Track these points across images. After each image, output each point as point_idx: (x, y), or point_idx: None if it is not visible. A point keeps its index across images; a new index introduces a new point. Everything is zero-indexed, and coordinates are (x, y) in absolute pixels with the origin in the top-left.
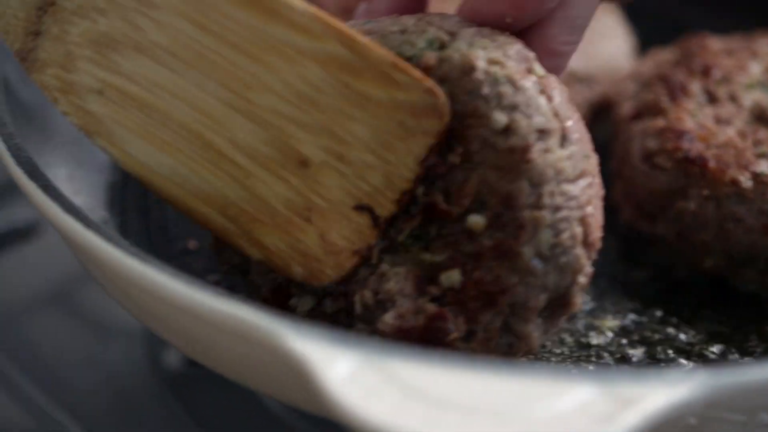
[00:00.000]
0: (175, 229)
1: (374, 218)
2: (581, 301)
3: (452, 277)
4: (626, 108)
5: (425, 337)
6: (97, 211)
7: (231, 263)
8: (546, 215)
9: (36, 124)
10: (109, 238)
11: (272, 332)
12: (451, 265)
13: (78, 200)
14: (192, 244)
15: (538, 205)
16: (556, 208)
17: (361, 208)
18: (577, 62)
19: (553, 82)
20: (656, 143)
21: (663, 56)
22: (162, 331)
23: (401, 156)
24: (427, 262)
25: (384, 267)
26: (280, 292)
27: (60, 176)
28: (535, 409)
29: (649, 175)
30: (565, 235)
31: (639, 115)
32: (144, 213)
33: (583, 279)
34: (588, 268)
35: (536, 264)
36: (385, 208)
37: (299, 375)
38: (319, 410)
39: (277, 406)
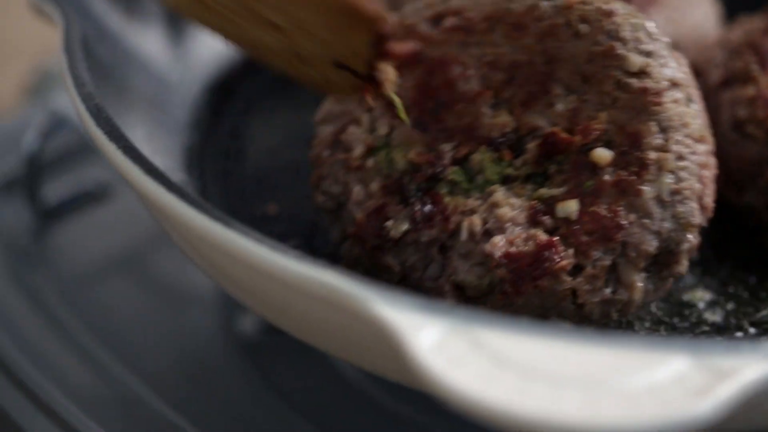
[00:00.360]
0: (253, 193)
1: (354, 73)
2: (687, 265)
3: (569, 207)
4: (714, 76)
5: (532, 265)
6: (176, 173)
7: (328, 193)
8: (671, 159)
9: (114, 84)
10: (191, 201)
11: (359, 298)
12: (569, 197)
13: (156, 161)
14: (271, 208)
15: (664, 148)
16: (680, 157)
17: (339, 65)
18: (664, 29)
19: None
20: (746, 112)
21: (752, 24)
22: (243, 297)
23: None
24: (544, 196)
25: (497, 196)
26: (376, 215)
27: (138, 136)
28: (629, 380)
29: (739, 144)
30: (685, 184)
31: (727, 83)
32: (222, 176)
33: (692, 239)
34: (697, 233)
35: (654, 206)
36: (360, 68)
37: (386, 342)
38: (405, 378)
39: (353, 373)
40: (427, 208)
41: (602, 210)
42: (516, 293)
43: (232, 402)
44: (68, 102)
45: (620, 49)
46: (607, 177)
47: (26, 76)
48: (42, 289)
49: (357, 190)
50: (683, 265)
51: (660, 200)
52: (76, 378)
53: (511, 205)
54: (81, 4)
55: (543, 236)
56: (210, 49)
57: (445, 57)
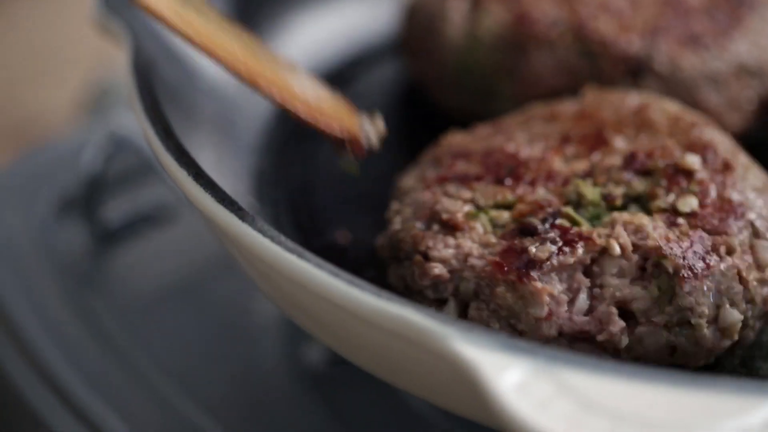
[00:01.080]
0: (325, 221)
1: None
2: None
3: (690, 201)
4: None
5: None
6: (246, 198)
7: (440, 258)
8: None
9: (181, 106)
10: (265, 231)
11: (438, 334)
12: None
13: (225, 185)
14: (343, 237)
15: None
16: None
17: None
18: (748, 54)
19: None
20: None
21: None
22: (314, 329)
23: None
24: (662, 207)
25: (624, 216)
26: (512, 249)
27: (206, 160)
28: (721, 425)
29: None
30: None
31: None
32: (293, 202)
33: None
34: None
35: (753, 192)
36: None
37: (466, 382)
38: (485, 420)
39: (421, 405)
40: (564, 235)
41: (715, 195)
42: (697, 277)
43: None
44: (129, 121)
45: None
46: (702, 176)
47: (82, 90)
48: (101, 314)
49: (475, 247)
50: None
51: (756, 188)
52: (134, 407)
53: (643, 218)
54: (148, 22)
55: (686, 228)
56: None
57: (492, 143)
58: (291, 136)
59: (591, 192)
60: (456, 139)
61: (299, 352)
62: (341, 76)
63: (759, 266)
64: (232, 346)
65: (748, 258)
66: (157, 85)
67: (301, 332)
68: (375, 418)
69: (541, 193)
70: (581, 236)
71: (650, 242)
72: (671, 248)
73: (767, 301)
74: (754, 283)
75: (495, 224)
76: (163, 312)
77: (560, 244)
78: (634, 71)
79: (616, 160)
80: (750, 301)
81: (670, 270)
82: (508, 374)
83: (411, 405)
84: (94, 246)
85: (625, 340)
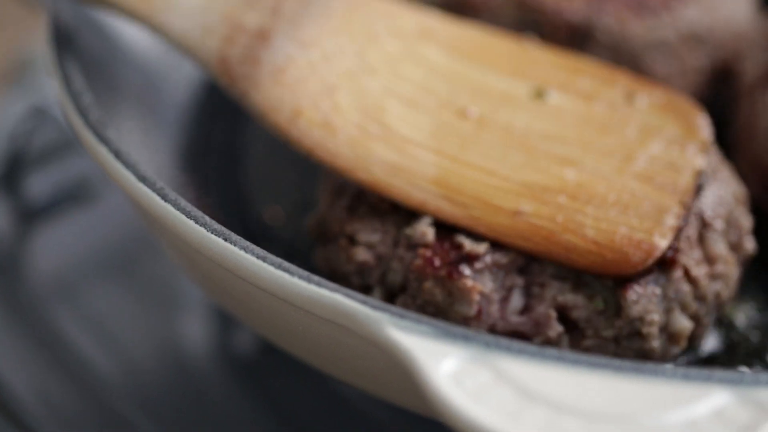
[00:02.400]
0: (255, 195)
1: None
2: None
3: None
4: (751, 73)
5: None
6: (174, 172)
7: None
8: None
9: (103, 79)
10: (188, 212)
11: (373, 321)
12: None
13: (153, 165)
14: (274, 213)
15: None
16: None
17: None
18: (697, 21)
19: None
20: None
21: None
22: (243, 315)
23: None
24: None
25: None
26: (445, 239)
27: (131, 134)
28: (665, 415)
29: None
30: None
31: (766, 82)
32: (222, 176)
33: None
34: None
35: None
36: None
37: (401, 369)
38: (421, 408)
39: (353, 393)
40: None
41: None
42: (638, 286)
43: (226, 422)
44: (53, 94)
45: None
46: None
47: (2, 61)
48: (24, 293)
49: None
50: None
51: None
52: (55, 392)
53: None
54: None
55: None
56: None
57: None
58: (220, 107)
59: None
60: None
61: (229, 339)
62: None
63: (709, 259)
64: (162, 327)
65: (697, 253)
66: (78, 56)
67: (231, 318)
68: (307, 406)
69: None
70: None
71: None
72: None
73: (719, 294)
74: (705, 280)
75: None
76: (88, 294)
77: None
78: (579, 40)
79: None
80: (701, 298)
81: (610, 283)
82: (444, 362)
83: (343, 392)
84: (16, 224)
85: (565, 347)
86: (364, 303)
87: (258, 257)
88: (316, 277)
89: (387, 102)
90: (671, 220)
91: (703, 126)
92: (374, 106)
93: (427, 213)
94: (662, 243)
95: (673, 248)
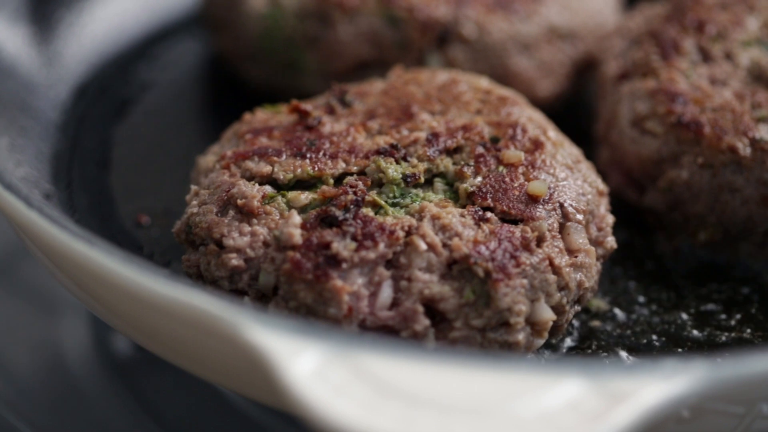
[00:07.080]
0: (124, 201)
1: None
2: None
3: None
4: (613, 67)
5: (513, 249)
6: (42, 184)
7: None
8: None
9: None
10: (52, 218)
11: (230, 321)
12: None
13: (20, 172)
14: (143, 218)
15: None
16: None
17: None
18: (559, 17)
19: None
20: (646, 106)
21: (653, 11)
22: (111, 319)
23: None
24: (468, 190)
25: (431, 208)
26: (313, 242)
27: (0, 145)
28: (519, 406)
29: (638, 141)
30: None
31: (627, 74)
32: (91, 184)
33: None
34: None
35: (565, 169)
36: None
37: (260, 369)
38: (281, 406)
39: (235, 395)
40: (366, 227)
41: (523, 181)
42: (509, 277)
43: (105, 423)
44: None
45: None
46: (511, 155)
47: None
48: None
49: (267, 233)
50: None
51: (567, 165)
52: None
53: (450, 213)
54: None
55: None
56: (80, 50)
57: (295, 119)
58: (87, 114)
59: (392, 170)
60: (259, 115)
61: (106, 340)
62: (144, 51)
63: (570, 250)
64: (39, 329)
65: (559, 243)
66: None
67: None
68: (183, 405)
69: (341, 166)
70: (383, 229)
71: (456, 245)
72: (479, 252)
73: (581, 284)
74: (567, 269)
75: (292, 207)
76: None
77: (361, 238)
78: (441, 38)
79: (421, 136)
80: (564, 288)
81: (481, 274)
82: (301, 360)
83: (226, 395)
84: None
85: (431, 340)
86: (220, 303)
87: (120, 260)
88: (177, 280)
89: None
90: None
91: None
92: None
93: None
94: None
95: None
